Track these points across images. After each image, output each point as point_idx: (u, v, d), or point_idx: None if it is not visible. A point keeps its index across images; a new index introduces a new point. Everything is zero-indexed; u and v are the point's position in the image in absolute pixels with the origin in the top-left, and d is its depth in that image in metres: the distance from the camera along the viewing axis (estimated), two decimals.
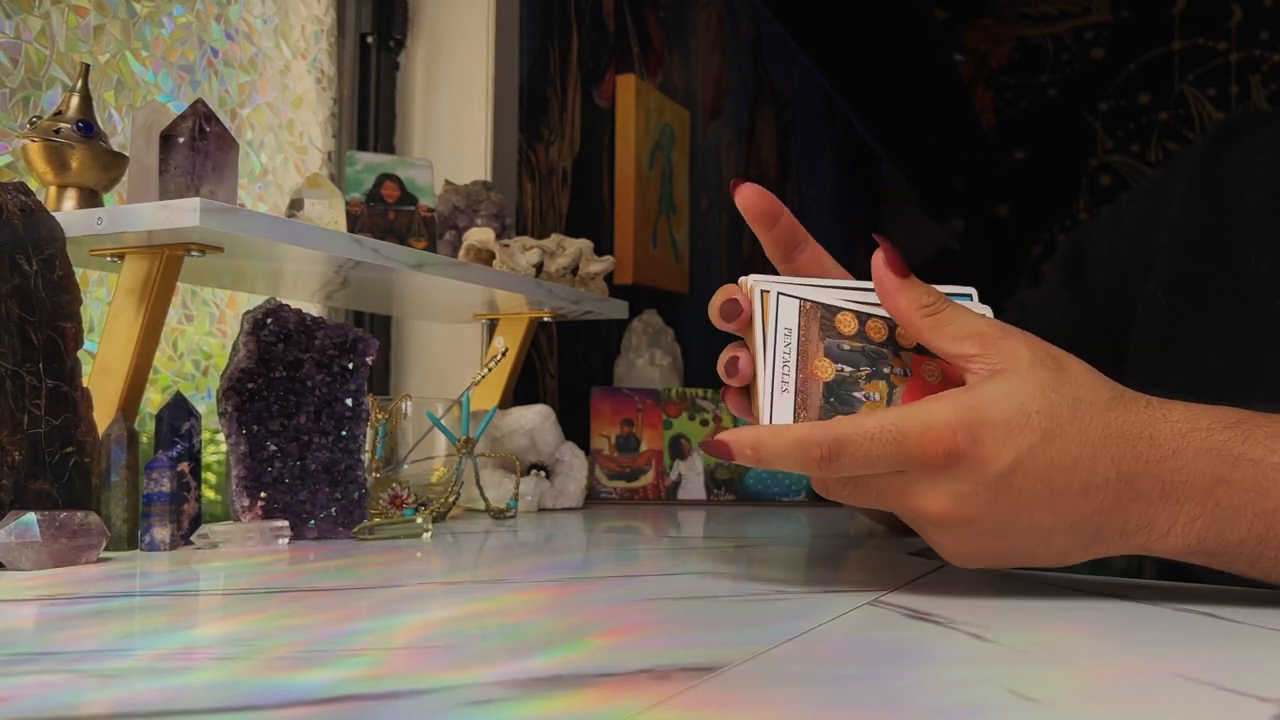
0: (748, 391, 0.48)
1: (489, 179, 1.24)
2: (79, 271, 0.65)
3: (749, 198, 0.48)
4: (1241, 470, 0.40)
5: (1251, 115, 0.69)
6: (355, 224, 0.97)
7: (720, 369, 0.47)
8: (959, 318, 0.44)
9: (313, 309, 1.07)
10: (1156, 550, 0.42)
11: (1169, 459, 0.41)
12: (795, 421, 0.45)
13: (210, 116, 0.69)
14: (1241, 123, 0.68)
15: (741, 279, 0.48)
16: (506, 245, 1.01)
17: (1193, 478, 0.41)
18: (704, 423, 1.20)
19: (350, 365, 0.72)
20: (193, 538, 0.64)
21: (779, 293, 0.46)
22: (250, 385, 0.68)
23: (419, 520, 0.71)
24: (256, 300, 1.02)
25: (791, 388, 0.45)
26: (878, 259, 0.45)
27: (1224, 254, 0.64)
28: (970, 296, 0.49)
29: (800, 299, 0.46)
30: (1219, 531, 0.41)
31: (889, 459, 0.41)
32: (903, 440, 0.41)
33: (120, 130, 0.92)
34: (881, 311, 0.47)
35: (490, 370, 0.92)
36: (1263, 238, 0.63)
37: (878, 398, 0.46)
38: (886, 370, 0.46)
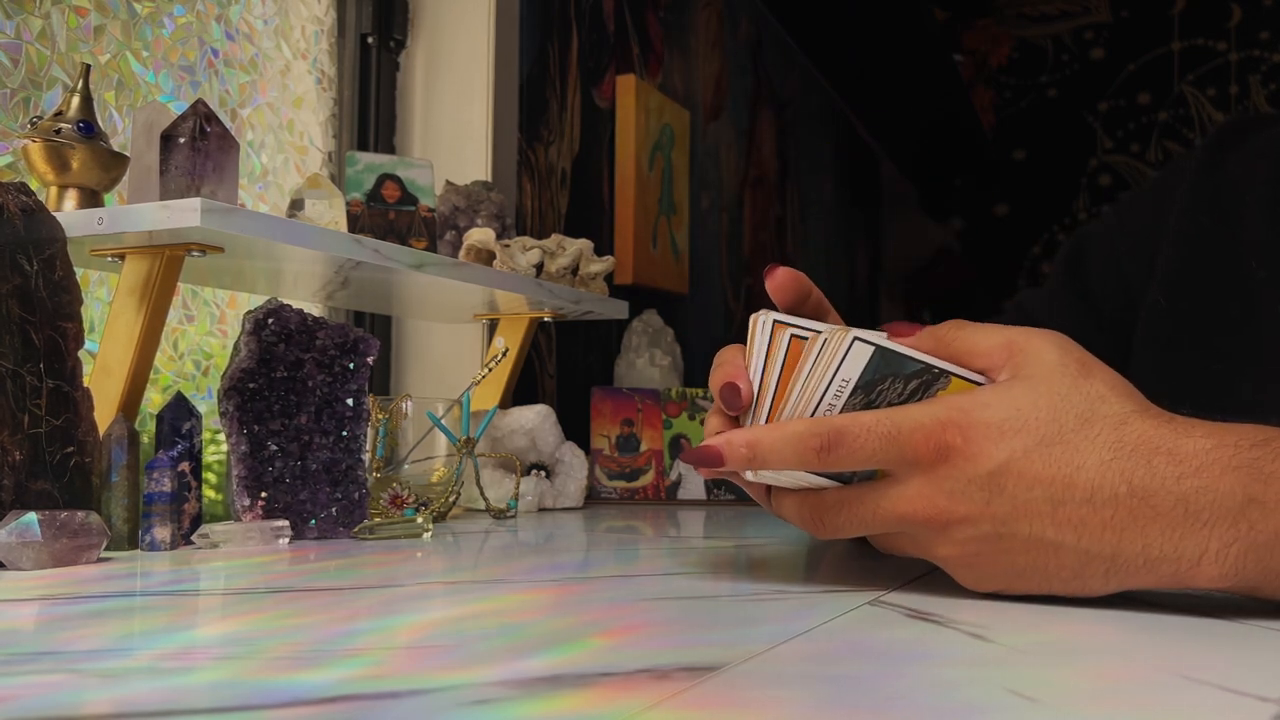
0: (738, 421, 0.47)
1: (489, 179, 1.24)
2: (80, 271, 0.65)
3: (782, 282, 0.48)
4: (1275, 489, 0.37)
5: (1253, 119, 0.69)
6: (356, 224, 0.97)
7: (718, 394, 0.46)
8: (979, 332, 0.44)
9: (313, 309, 1.08)
10: (1190, 583, 0.39)
11: (1190, 476, 0.38)
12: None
13: (211, 117, 0.69)
14: (1243, 126, 0.68)
15: (760, 316, 0.46)
16: (507, 245, 1.01)
17: (1220, 498, 0.37)
18: (704, 423, 1.20)
19: (351, 365, 0.72)
20: (193, 537, 0.64)
21: (855, 338, 0.43)
22: (251, 385, 0.68)
23: (419, 520, 0.71)
24: (257, 300, 1.03)
25: None
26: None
27: (1225, 258, 0.64)
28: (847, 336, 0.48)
29: (877, 345, 0.43)
30: (1259, 559, 0.37)
31: (883, 453, 0.41)
32: (896, 434, 0.41)
33: (121, 130, 0.92)
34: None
35: (490, 370, 0.92)
36: (1263, 242, 0.62)
37: None
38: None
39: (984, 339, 0.44)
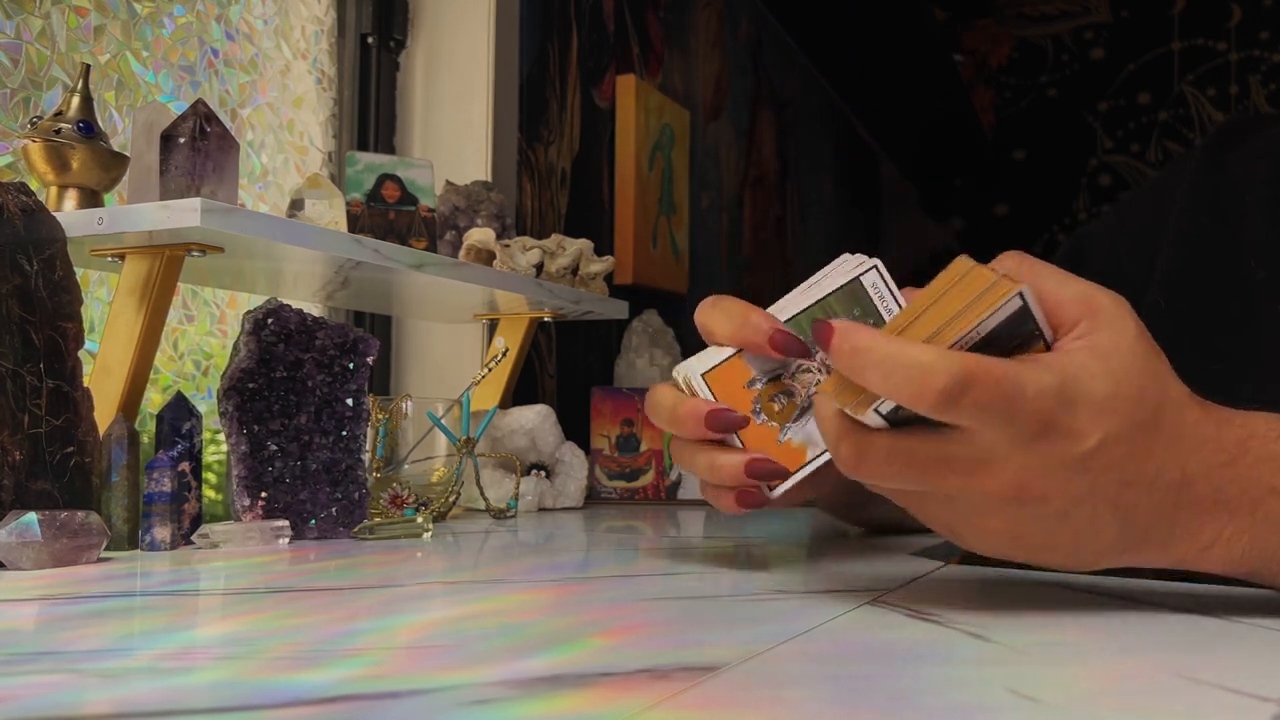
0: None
1: (489, 179, 1.24)
2: (80, 271, 0.65)
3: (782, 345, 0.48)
4: None
5: (1253, 118, 0.69)
6: (356, 224, 0.97)
7: (709, 419, 0.47)
8: (1054, 279, 0.40)
9: (313, 309, 1.08)
10: (1194, 565, 0.40)
11: (1227, 466, 0.39)
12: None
13: (211, 117, 0.69)
14: (1243, 126, 0.68)
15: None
16: (507, 245, 1.01)
17: (1247, 487, 0.39)
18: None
19: (351, 365, 0.72)
20: (193, 537, 0.64)
21: (1020, 293, 0.38)
22: (251, 385, 0.68)
23: (419, 520, 0.71)
24: (257, 300, 1.02)
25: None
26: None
27: (1225, 259, 0.64)
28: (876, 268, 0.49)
29: (1025, 303, 0.39)
30: (1263, 546, 0.39)
31: (997, 415, 0.36)
32: (1018, 397, 0.36)
33: (121, 130, 0.92)
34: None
35: (490, 370, 0.92)
36: (1263, 243, 0.62)
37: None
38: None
39: (1060, 288, 0.40)
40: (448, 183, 1.11)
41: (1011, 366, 0.37)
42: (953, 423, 0.37)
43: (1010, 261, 0.42)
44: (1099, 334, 0.39)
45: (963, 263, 0.39)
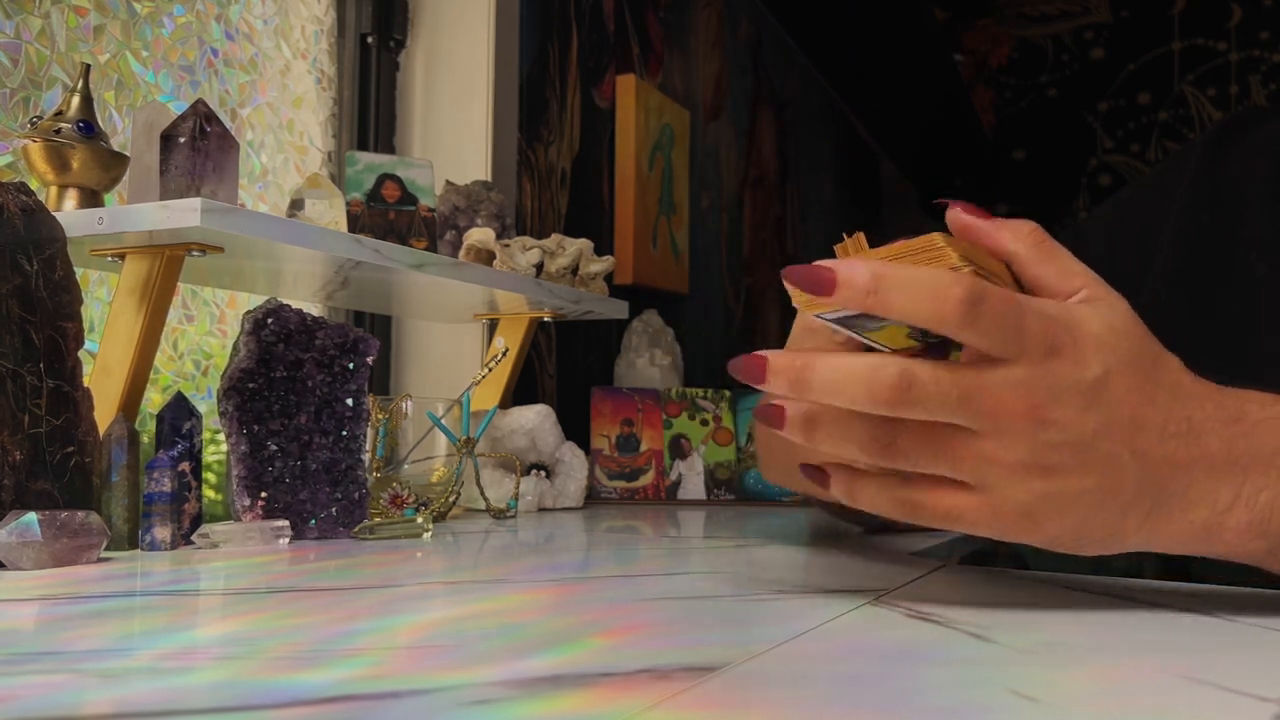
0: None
1: (489, 179, 1.24)
2: (80, 271, 0.65)
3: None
4: None
5: (1254, 113, 0.69)
6: (355, 224, 0.97)
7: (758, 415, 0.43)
8: (1068, 254, 0.42)
9: (313, 309, 1.08)
10: (1219, 535, 0.40)
11: (1233, 423, 0.40)
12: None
13: (211, 116, 0.69)
14: (1244, 121, 0.68)
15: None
16: (507, 245, 1.01)
17: (1256, 445, 0.40)
18: (704, 422, 1.20)
19: (351, 365, 0.72)
20: (193, 537, 0.64)
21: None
22: (251, 385, 0.68)
23: (419, 520, 0.71)
24: (257, 300, 1.02)
25: None
26: (958, 211, 0.44)
27: (1224, 254, 0.64)
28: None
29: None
30: None
31: (1010, 329, 0.38)
32: (1024, 312, 0.38)
33: (121, 130, 0.92)
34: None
35: (490, 370, 0.92)
36: (1263, 239, 0.62)
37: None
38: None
39: (1071, 263, 0.42)
40: (448, 183, 1.11)
41: (1016, 294, 0.38)
42: (969, 341, 0.38)
43: (1024, 240, 0.43)
44: (1098, 302, 0.41)
45: (931, 240, 0.40)
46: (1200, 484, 0.40)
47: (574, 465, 1.00)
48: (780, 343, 0.49)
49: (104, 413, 0.66)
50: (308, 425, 0.70)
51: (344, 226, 0.85)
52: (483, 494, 0.86)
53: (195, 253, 0.68)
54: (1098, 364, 0.39)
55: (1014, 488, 0.39)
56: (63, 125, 0.69)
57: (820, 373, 0.38)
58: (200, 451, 0.68)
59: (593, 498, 1.12)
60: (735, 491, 1.17)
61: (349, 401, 0.71)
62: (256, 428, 0.68)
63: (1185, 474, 0.40)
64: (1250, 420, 0.40)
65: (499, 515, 0.87)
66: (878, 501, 0.41)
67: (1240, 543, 0.40)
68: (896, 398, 0.37)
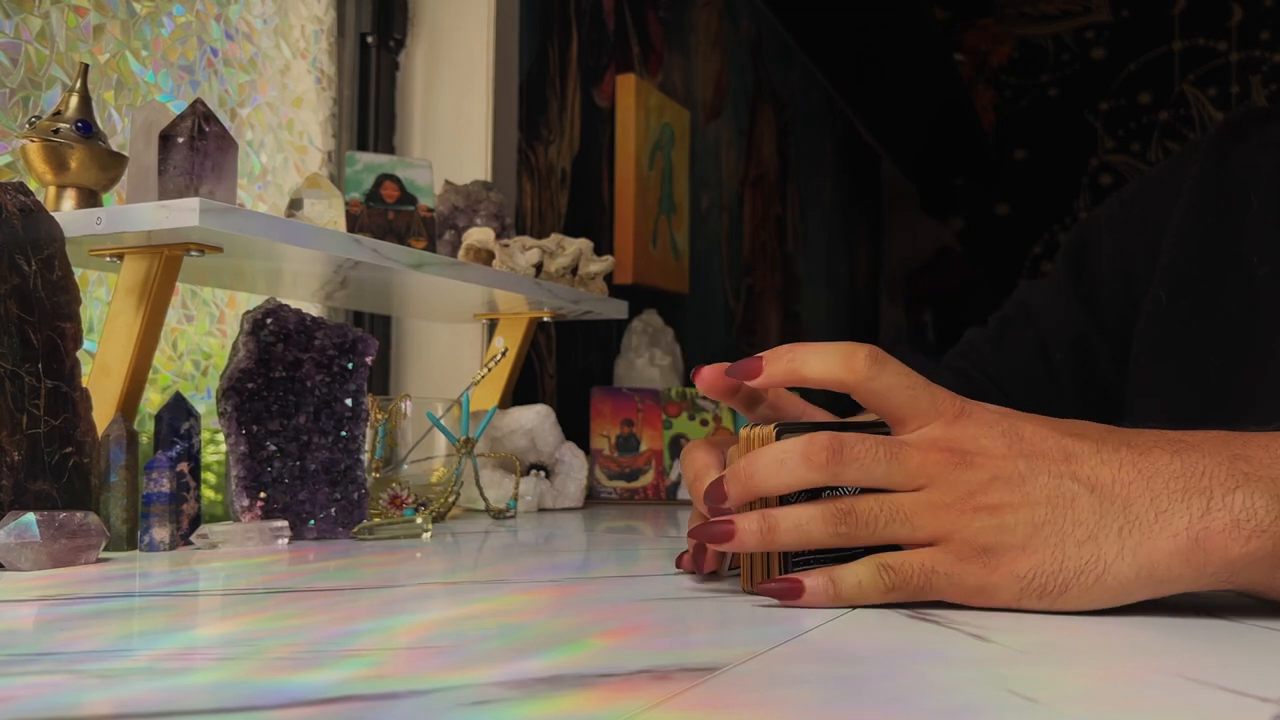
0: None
1: (489, 179, 1.24)
2: (78, 271, 0.65)
3: (710, 381, 0.47)
4: (1252, 446, 0.39)
5: (1257, 113, 0.69)
6: (355, 224, 0.97)
7: (703, 495, 0.44)
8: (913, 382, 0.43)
9: (312, 309, 1.07)
10: (1208, 542, 0.37)
11: (1176, 443, 0.40)
12: None
13: (210, 116, 0.69)
14: (1246, 121, 0.68)
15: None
16: (506, 245, 1.01)
17: (1208, 458, 0.39)
18: (704, 423, 1.20)
19: (350, 365, 0.72)
20: (192, 538, 0.64)
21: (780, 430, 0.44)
22: (250, 385, 0.68)
23: (419, 520, 0.71)
24: (256, 300, 1.02)
25: None
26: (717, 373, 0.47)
27: (1227, 254, 0.64)
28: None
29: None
30: (1267, 490, 0.38)
31: (921, 387, 0.42)
32: (929, 383, 0.42)
33: (120, 130, 0.92)
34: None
35: (490, 370, 0.92)
36: (1265, 238, 0.62)
37: None
38: None
39: (929, 389, 0.43)
40: (447, 182, 1.11)
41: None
42: (848, 479, 0.41)
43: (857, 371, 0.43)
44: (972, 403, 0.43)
45: (744, 432, 0.45)
46: (1164, 495, 0.38)
47: (574, 465, 1.00)
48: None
49: (103, 413, 0.66)
50: (307, 425, 0.70)
51: (343, 226, 0.85)
52: (482, 494, 0.86)
53: (194, 253, 0.68)
54: (1004, 420, 0.41)
55: (966, 528, 0.40)
56: (61, 125, 0.69)
57: (761, 460, 0.42)
58: (199, 452, 0.68)
59: (592, 498, 1.12)
60: None
61: (348, 402, 0.71)
62: (255, 428, 0.68)
63: (1144, 489, 0.39)
64: (1191, 441, 0.40)
65: (498, 515, 0.87)
66: (862, 576, 0.41)
67: (1236, 544, 0.37)
68: (832, 457, 0.41)
